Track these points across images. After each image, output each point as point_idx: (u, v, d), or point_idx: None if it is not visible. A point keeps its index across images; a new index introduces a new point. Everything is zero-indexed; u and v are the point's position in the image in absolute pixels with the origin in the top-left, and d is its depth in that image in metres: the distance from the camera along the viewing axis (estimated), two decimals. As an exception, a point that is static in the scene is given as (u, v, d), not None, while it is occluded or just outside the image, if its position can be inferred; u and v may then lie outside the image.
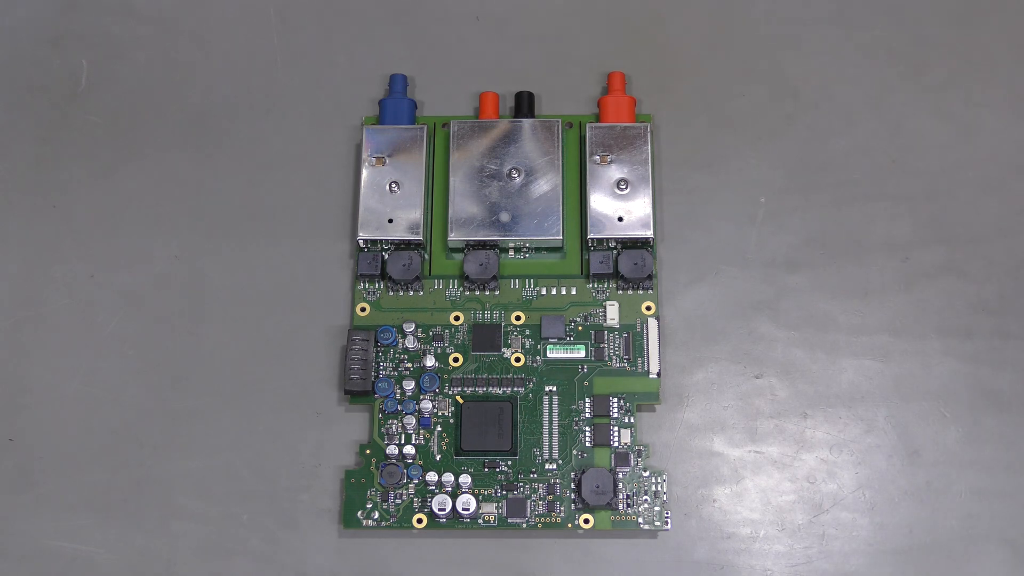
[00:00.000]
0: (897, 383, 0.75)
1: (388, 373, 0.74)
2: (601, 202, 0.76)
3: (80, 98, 0.82)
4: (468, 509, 0.71)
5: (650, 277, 0.75)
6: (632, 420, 0.73)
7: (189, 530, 0.73)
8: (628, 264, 0.75)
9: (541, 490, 0.72)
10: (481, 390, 0.74)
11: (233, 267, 0.78)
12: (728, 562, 0.72)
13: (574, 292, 0.76)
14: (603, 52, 0.82)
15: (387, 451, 0.73)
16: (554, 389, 0.74)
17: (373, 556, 0.72)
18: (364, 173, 0.77)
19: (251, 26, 0.84)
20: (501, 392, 0.74)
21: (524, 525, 0.71)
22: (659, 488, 0.72)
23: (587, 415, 0.73)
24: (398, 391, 0.74)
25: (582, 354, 0.74)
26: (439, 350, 0.75)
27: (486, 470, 0.72)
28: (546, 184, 0.76)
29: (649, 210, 0.75)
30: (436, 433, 0.73)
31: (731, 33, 0.83)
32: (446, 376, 0.74)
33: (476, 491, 0.72)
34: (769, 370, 0.75)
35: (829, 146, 0.80)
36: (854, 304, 0.76)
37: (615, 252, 0.76)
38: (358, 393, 0.74)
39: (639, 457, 0.72)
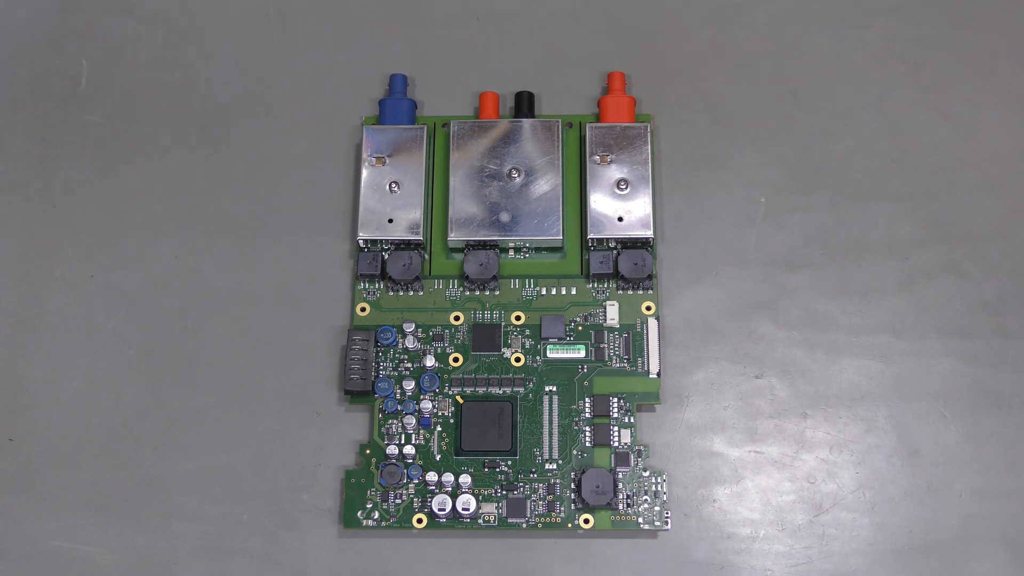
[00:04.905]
0: (897, 383, 0.75)
1: (388, 373, 0.74)
2: (601, 202, 0.76)
3: (80, 98, 0.82)
4: (468, 509, 0.71)
5: (650, 277, 0.75)
6: (632, 420, 0.73)
7: (189, 530, 0.73)
8: (628, 264, 0.75)
9: (541, 490, 0.72)
10: (481, 390, 0.74)
11: (233, 267, 0.78)
12: (728, 562, 0.72)
13: (574, 292, 0.76)
14: (603, 52, 0.82)
15: (387, 451, 0.73)
16: (554, 389, 0.74)
17: (373, 556, 0.72)
18: (364, 173, 0.77)
19: (251, 26, 0.84)
20: (501, 392, 0.74)
21: (524, 525, 0.71)
22: (659, 488, 0.72)
23: (587, 415, 0.73)
24: (398, 391, 0.74)
25: (582, 354, 0.74)
26: (439, 350, 0.75)
27: (486, 470, 0.72)
28: (546, 184, 0.76)
29: (649, 210, 0.75)
30: (436, 433, 0.73)
31: (731, 33, 0.83)
32: (446, 376, 0.74)
33: (476, 491, 0.72)
34: (769, 370, 0.75)
35: (829, 146, 0.80)
36: (854, 304, 0.76)
37: (615, 252, 0.76)
38: (358, 393, 0.74)
39: (639, 457, 0.72)
